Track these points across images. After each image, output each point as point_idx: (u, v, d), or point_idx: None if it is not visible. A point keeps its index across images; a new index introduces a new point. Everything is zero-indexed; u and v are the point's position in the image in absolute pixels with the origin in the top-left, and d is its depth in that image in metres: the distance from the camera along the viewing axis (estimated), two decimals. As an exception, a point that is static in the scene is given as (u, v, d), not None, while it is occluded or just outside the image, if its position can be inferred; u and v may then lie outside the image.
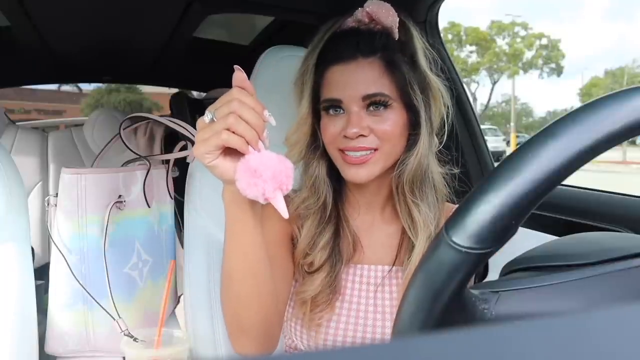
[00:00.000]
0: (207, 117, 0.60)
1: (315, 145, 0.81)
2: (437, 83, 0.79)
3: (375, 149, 0.76)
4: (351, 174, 0.77)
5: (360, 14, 0.79)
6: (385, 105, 0.76)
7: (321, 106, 0.79)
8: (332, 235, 0.81)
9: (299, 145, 0.82)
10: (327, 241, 0.80)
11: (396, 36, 0.78)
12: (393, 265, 0.83)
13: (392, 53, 0.77)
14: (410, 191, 0.79)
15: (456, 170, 0.83)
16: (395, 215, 0.84)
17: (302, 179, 0.84)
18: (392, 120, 0.76)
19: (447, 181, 0.83)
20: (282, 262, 0.83)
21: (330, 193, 0.82)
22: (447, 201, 0.85)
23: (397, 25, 0.78)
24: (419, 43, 0.79)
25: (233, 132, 0.58)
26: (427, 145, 0.79)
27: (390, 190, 0.83)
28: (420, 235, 0.78)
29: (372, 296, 0.82)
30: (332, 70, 0.78)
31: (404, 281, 0.81)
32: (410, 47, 0.78)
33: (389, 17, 0.77)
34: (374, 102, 0.76)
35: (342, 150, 0.77)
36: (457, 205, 0.87)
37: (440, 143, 0.83)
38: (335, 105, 0.77)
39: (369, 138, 0.76)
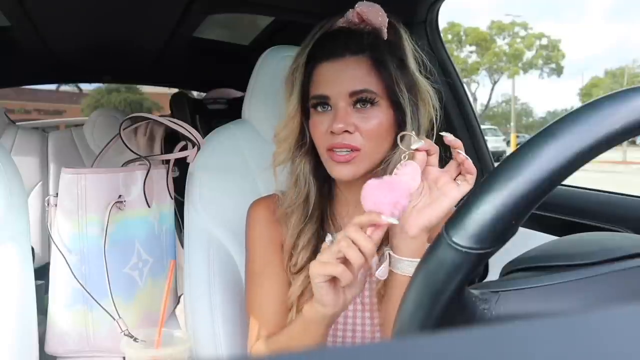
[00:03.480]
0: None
1: (302, 143, 0.82)
2: (425, 85, 0.80)
3: (358, 149, 0.76)
4: (337, 171, 0.77)
5: (350, 14, 0.80)
6: (372, 102, 0.76)
7: (310, 103, 0.80)
8: (314, 234, 0.81)
9: (287, 142, 0.82)
10: (308, 240, 0.80)
11: (385, 36, 0.78)
12: None
13: (380, 52, 0.77)
14: None
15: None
16: None
17: (289, 178, 0.85)
18: (378, 119, 0.76)
19: None
20: (281, 266, 0.83)
21: (313, 190, 0.82)
22: None
23: (387, 25, 0.78)
24: (409, 45, 0.80)
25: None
26: None
27: None
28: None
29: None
30: (321, 67, 0.78)
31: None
32: (399, 49, 0.79)
33: (379, 18, 0.78)
34: (361, 99, 0.76)
35: (330, 149, 0.77)
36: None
37: None
38: (323, 102, 0.78)
39: (354, 135, 0.76)
